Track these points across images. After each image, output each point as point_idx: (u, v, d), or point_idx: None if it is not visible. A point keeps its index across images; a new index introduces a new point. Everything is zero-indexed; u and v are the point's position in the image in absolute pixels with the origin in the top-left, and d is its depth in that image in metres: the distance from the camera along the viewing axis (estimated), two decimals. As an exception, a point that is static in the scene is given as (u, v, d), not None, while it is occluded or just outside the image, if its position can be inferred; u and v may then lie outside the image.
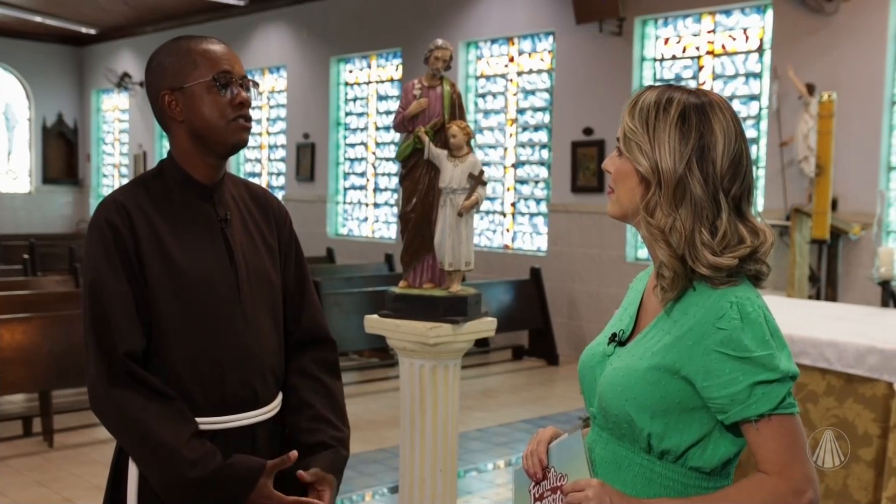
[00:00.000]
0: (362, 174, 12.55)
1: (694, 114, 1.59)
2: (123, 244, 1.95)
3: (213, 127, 2.01)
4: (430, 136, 3.77)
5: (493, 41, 10.76)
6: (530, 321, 9.52)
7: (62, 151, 17.75)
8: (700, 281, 1.59)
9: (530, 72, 10.48)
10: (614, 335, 1.73)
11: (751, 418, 1.53)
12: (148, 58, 2.09)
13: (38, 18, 15.01)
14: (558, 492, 1.64)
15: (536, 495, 1.70)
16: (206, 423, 1.99)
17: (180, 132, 2.04)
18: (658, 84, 1.70)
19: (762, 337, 1.54)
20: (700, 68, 9.00)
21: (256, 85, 2.10)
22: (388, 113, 12.01)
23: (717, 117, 1.60)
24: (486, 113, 10.89)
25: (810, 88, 7.67)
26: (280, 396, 2.15)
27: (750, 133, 8.55)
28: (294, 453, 2.02)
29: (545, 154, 10.34)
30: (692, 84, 8.12)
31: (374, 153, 12.36)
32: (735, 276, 1.58)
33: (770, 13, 8.37)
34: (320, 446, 2.10)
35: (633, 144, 1.62)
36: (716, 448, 1.59)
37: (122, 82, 16.15)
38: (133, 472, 2.01)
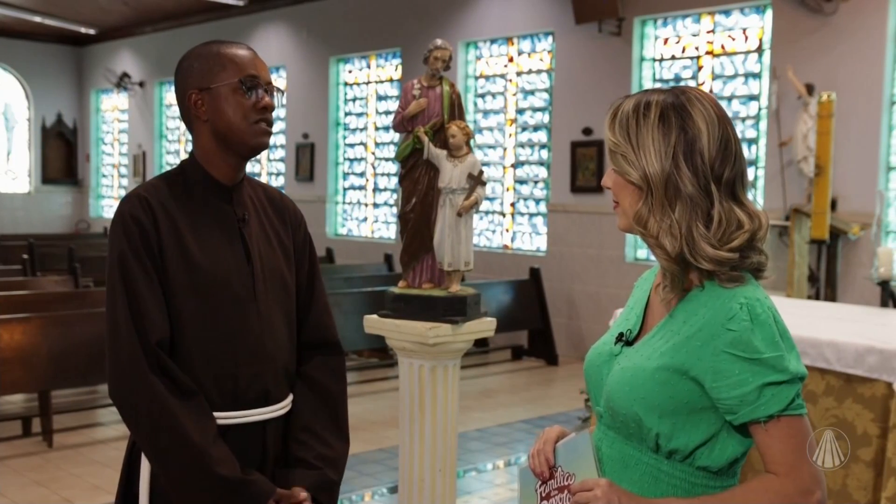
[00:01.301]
0: (362, 174, 12.55)
1: (672, 112, 1.60)
2: (148, 239, 1.99)
3: (235, 128, 2.06)
4: (430, 136, 3.76)
5: (493, 41, 10.76)
6: (530, 321, 9.52)
7: (61, 151, 17.74)
8: (708, 279, 1.60)
9: (529, 72, 10.48)
10: (621, 335, 1.73)
11: (760, 419, 1.53)
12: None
13: (37, 18, 15.00)
14: (565, 491, 1.64)
15: (543, 494, 1.70)
16: (219, 417, 2.02)
17: (204, 131, 2.09)
18: (634, 93, 1.71)
19: (772, 338, 1.54)
20: (699, 68, 9.00)
21: (280, 91, 2.16)
22: (387, 113, 12.01)
23: (697, 108, 1.61)
24: (486, 113, 10.89)
25: (809, 88, 7.67)
26: (291, 395, 2.18)
27: (749, 133, 8.55)
28: (304, 493, 2.05)
29: (544, 154, 10.34)
30: (691, 84, 8.12)
31: (373, 153, 12.35)
32: (738, 269, 1.59)
33: (769, 13, 8.37)
34: (303, 463, 2.11)
35: (619, 157, 1.64)
36: (723, 448, 1.60)
37: (122, 82, 16.14)
38: (146, 468, 2.02)
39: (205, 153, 2.10)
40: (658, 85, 9.11)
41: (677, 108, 1.60)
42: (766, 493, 1.54)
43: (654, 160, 1.59)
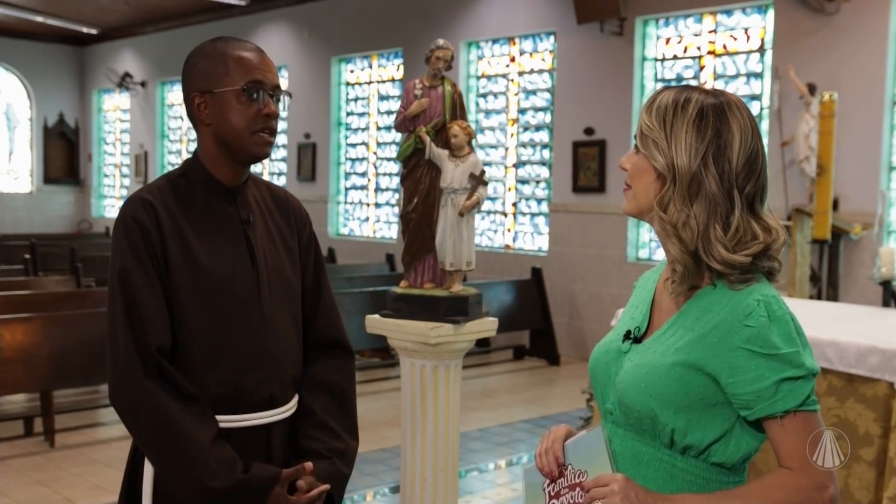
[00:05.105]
0: (363, 174, 12.55)
1: (712, 113, 1.62)
2: (151, 242, 1.97)
3: (237, 135, 2.03)
4: (431, 135, 3.76)
5: (494, 41, 10.76)
6: (531, 321, 9.52)
7: (63, 151, 17.75)
8: (719, 278, 1.61)
9: (531, 72, 10.48)
10: (629, 332, 1.74)
11: (776, 414, 1.55)
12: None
13: (39, 18, 15.01)
14: (577, 488, 1.63)
15: (552, 493, 1.69)
16: (223, 421, 2.01)
17: (207, 134, 2.07)
18: (675, 85, 1.72)
19: (789, 335, 1.56)
20: (701, 68, 9.00)
21: (289, 95, 2.12)
22: (389, 113, 12.01)
23: (735, 116, 1.62)
24: (487, 113, 10.89)
25: (811, 88, 7.67)
26: (297, 397, 2.16)
27: (751, 133, 8.54)
28: (309, 465, 2.03)
29: (546, 154, 10.33)
30: (693, 84, 8.11)
31: (375, 153, 12.36)
32: (749, 272, 1.60)
33: (771, 13, 8.37)
34: (316, 455, 2.10)
35: (649, 141, 1.64)
36: (738, 444, 1.61)
37: (123, 82, 16.15)
38: (148, 471, 2.02)
39: (208, 155, 2.08)
40: (660, 85, 9.12)
41: (716, 109, 1.62)
42: (781, 488, 1.55)
43: (683, 153, 1.60)
